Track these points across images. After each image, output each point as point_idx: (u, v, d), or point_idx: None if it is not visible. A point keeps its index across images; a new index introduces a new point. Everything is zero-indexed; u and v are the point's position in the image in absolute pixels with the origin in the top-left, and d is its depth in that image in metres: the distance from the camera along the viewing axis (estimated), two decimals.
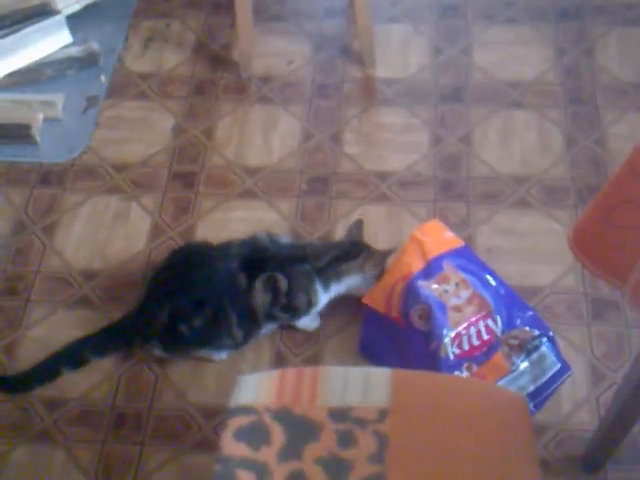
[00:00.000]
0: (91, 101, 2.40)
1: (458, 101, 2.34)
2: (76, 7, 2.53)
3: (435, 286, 1.76)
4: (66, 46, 2.50)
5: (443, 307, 1.72)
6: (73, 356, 1.85)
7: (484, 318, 1.73)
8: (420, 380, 1.32)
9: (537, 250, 2.02)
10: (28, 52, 2.43)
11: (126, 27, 2.61)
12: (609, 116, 2.27)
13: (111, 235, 2.11)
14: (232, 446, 1.21)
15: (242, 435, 1.22)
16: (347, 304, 1.91)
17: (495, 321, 1.73)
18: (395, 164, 2.21)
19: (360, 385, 1.27)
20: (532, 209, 2.09)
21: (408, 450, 1.20)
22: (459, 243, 1.86)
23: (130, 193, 2.19)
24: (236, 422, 1.24)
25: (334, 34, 2.56)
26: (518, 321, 1.76)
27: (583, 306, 1.91)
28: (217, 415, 1.78)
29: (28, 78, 2.44)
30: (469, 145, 2.24)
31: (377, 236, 2.00)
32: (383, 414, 1.23)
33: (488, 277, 1.81)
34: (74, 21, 2.52)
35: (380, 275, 1.86)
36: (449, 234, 1.88)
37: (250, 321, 1.81)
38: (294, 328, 1.90)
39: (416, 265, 1.79)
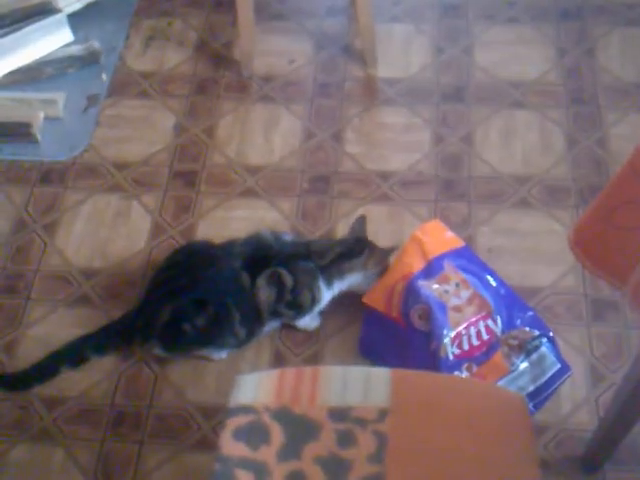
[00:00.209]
0: (92, 100, 2.40)
1: (460, 101, 2.34)
2: (77, 6, 2.54)
3: (435, 286, 1.76)
4: (67, 45, 2.50)
5: (443, 307, 1.72)
6: (73, 355, 1.85)
7: (484, 318, 1.73)
8: (420, 380, 1.31)
9: (538, 250, 2.02)
10: (29, 51, 2.43)
11: (127, 26, 2.61)
12: (610, 116, 2.27)
13: (112, 234, 2.11)
14: (231, 446, 1.21)
15: (241, 435, 1.22)
16: (347, 304, 1.91)
17: (495, 321, 1.73)
18: (396, 164, 2.21)
19: (360, 385, 1.27)
20: (533, 209, 2.09)
21: (408, 450, 1.20)
22: (460, 243, 1.86)
23: (131, 192, 2.19)
24: (235, 421, 1.23)
25: (335, 33, 2.55)
26: (518, 321, 1.76)
27: (583, 307, 1.91)
28: (216, 414, 1.78)
29: (29, 77, 2.44)
30: (470, 145, 2.23)
31: (378, 236, 1.99)
32: (383, 414, 1.23)
33: (488, 277, 1.81)
34: (75, 20, 2.52)
35: (382, 272, 1.86)
36: (450, 234, 1.87)
37: (253, 319, 1.81)
38: (294, 328, 1.90)
39: (417, 265, 1.79)
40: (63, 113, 2.36)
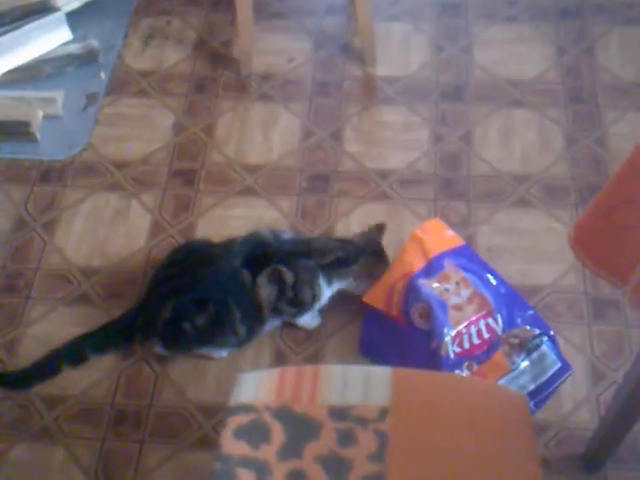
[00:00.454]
0: (91, 98, 2.40)
1: (459, 99, 2.34)
2: (76, 4, 2.54)
3: (436, 285, 1.76)
4: (66, 43, 2.50)
5: (444, 306, 1.72)
6: (73, 353, 1.85)
7: (485, 317, 1.73)
8: (420, 379, 1.31)
9: (538, 249, 2.02)
10: (28, 49, 2.43)
11: (126, 24, 2.60)
12: (610, 115, 2.27)
13: (111, 232, 2.11)
14: (232, 444, 1.21)
15: (242, 433, 1.22)
16: (348, 302, 1.91)
17: (496, 320, 1.73)
18: (396, 162, 2.21)
19: (360, 384, 1.27)
20: (533, 208, 2.09)
21: (408, 449, 1.20)
22: (460, 242, 1.86)
23: (130, 190, 2.19)
24: (236, 420, 1.23)
25: (335, 32, 2.55)
26: (519, 320, 1.76)
27: (584, 305, 1.91)
28: (217, 413, 1.78)
29: (28, 75, 2.44)
30: (470, 143, 2.23)
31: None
32: (383, 413, 1.23)
33: (489, 276, 1.81)
34: (74, 18, 2.52)
35: (377, 278, 1.85)
36: (450, 233, 1.87)
37: (254, 318, 1.81)
38: (295, 326, 1.90)
39: (417, 264, 1.79)
40: (62, 112, 2.36)
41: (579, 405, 1.77)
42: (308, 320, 1.90)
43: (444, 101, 2.34)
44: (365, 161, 2.22)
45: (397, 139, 2.27)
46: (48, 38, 2.46)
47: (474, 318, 1.72)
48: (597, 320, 1.89)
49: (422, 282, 1.76)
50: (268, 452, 1.20)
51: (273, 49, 2.50)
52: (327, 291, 1.86)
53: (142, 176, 2.22)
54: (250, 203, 2.15)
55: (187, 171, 2.23)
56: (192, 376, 1.86)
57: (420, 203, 2.12)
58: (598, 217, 1.15)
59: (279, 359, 1.87)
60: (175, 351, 1.86)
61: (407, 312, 1.75)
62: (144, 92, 2.42)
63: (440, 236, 1.85)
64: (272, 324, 1.88)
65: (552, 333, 1.77)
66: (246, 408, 1.25)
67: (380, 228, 1.93)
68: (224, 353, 1.87)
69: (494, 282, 1.80)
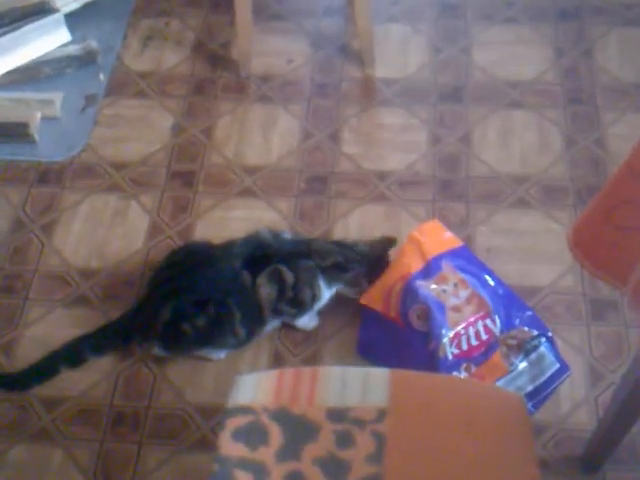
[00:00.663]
0: (90, 99, 2.40)
1: (457, 101, 2.34)
2: (75, 5, 2.54)
3: (434, 286, 1.75)
4: (65, 44, 2.49)
5: (442, 307, 1.72)
6: (71, 355, 1.85)
7: (483, 318, 1.73)
8: (419, 380, 1.31)
9: (536, 250, 2.02)
10: (27, 50, 2.43)
11: (125, 25, 2.60)
12: (608, 116, 2.27)
13: (109, 234, 2.11)
14: (230, 446, 1.21)
15: (240, 435, 1.22)
16: (346, 304, 1.91)
17: (494, 321, 1.73)
18: (394, 164, 2.21)
19: (359, 385, 1.27)
20: (531, 209, 2.09)
21: (406, 450, 1.20)
22: (458, 243, 1.86)
23: (129, 192, 2.19)
24: (234, 422, 1.23)
25: (333, 33, 2.55)
26: (517, 321, 1.76)
27: (582, 306, 1.91)
28: (215, 415, 1.78)
29: (27, 76, 2.44)
30: (468, 145, 2.23)
31: (376, 236, 1.99)
32: (381, 414, 1.23)
33: (487, 277, 1.81)
34: (73, 19, 2.52)
35: (360, 292, 1.86)
36: (448, 234, 1.87)
37: (254, 319, 1.81)
38: (293, 328, 1.90)
39: (415, 265, 1.78)
40: (61, 113, 2.36)
41: (577, 406, 1.77)
42: (306, 321, 1.90)
43: (443, 102, 2.34)
44: (363, 162, 2.22)
45: (395, 140, 2.27)
46: (47, 39, 2.46)
47: (472, 319, 1.72)
48: (595, 321, 1.89)
49: (420, 283, 1.76)
50: (266, 454, 1.20)
51: (272, 50, 2.51)
52: (326, 292, 1.86)
53: (141, 177, 2.22)
54: (249, 204, 2.15)
55: (186, 172, 2.23)
56: (190, 378, 1.85)
57: (418, 204, 2.12)
58: (597, 218, 1.15)
59: (277, 361, 1.87)
60: (174, 352, 1.86)
61: (405, 314, 1.75)
62: (143, 93, 2.42)
63: (438, 237, 1.85)
64: (271, 325, 1.87)
65: (550, 334, 1.77)
66: (244, 410, 1.25)
67: (390, 240, 1.91)
68: (222, 355, 1.87)
69: (492, 283, 1.80)
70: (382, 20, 2.53)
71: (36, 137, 2.29)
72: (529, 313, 1.79)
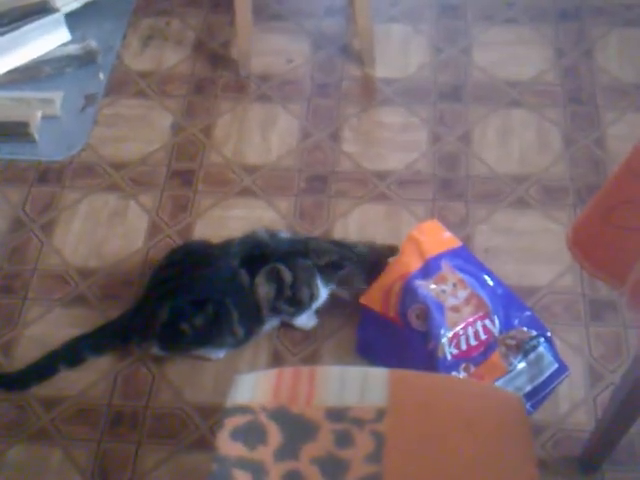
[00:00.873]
0: (89, 99, 2.40)
1: (457, 100, 2.34)
2: (75, 5, 2.53)
3: (433, 286, 1.75)
4: (65, 44, 2.49)
5: (441, 307, 1.72)
6: (70, 354, 1.85)
7: (482, 318, 1.73)
8: (417, 380, 1.31)
9: (535, 250, 2.02)
10: (27, 50, 2.43)
11: (125, 25, 2.60)
12: (608, 116, 2.27)
13: (109, 233, 2.11)
14: (228, 446, 1.21)
15: (239, 435, 1.22)
16: (345, 304, 1.91)
17: (493, 321, 1.73)
18: (394, 163, 2.21)
19: (357, 385, 1.27)
20: (531, 209, 2.09)
21: (405, 450, 1.20)
22: (457, 243, 1.86)
23: (128, 191, 2.19)
24: (233, 422, 1.23)
25: (334, 33, 2.55)
26: (516, 321, 1.76)
27: (581, 306, 1.91)
28: (214, 414, 1.78)
29: (27, 76, 2.44)
30: (468, 144, 2.23)
31: (376, 235, 1.99)
32: (380, 414, 1.23)
33: (486, 277, 1.81)
34: (73, 19, 2.51)
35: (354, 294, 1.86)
36: (447, 234, 1.87)
37: (252, 318, 1.81)
38: (292, 327, 1.90)
39: (414, 265, 1.78)
40: (61, 112, 2.36)
41: (576, 406, 1.77)
42: (305, 321, 1.89)
43: (443, 102, 2.34)
44: (363, 162, 2.22)
45: (396, 140, 2.26)
46: (47, 39, 2.46)
47: (471, 319, 1.72)
48: (594, 321, 1.89)
49: (419, 283, 1.76)
50: (265, 453, 1.20)
51: (272, 50, 2.50)
52: (324, 291, 1.86)
53: (140, 177, 2.22)
54: (248, 204, 2.15)
55: (185, 172, 2.23)
56: (189, 377, 1.85)
57: (418, 204, 2.12)
58: (596, 218, 1.15)
59: (276, 360, 1.87)
60: (173, 352, 1.86)
61: (404, 313, 1.75)
62: (143, 93, 2.42)
63: (437, 237, 1.85)
64: (270, 325, 1.87)
65: (549, 334, 1.77)
66: (243, 409, 1.24)
67: (392, 249, 1.89)
68: (221, 354, 1.87)
69: (491, 283, 1.80)
70: (382, 20, 2.53)
71: (36, 136, 2.29)
72: (528, 313, 1.79)
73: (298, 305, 1.84)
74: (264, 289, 1.79)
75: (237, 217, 2.12)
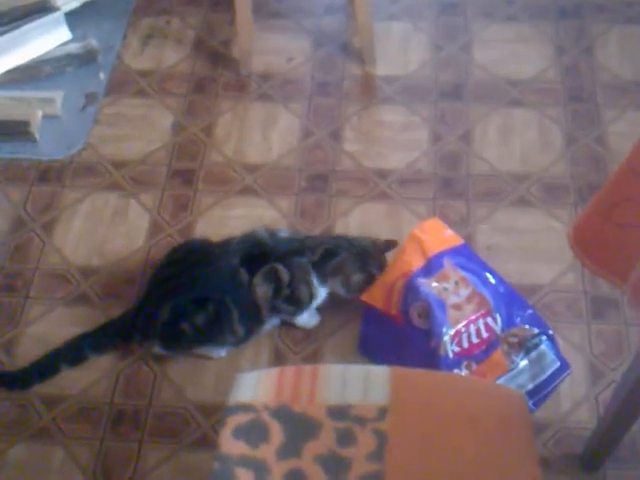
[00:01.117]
0: (90, 98, 2.40)
1: (458, 99, 2.34)
2: (75, 4, 2.53)
3: (435, 284, 1.75)
4: (65, 43, 2.50)
5: (443, 305, 1.72)
6: (72, 353, 1.85)
7: (484, 316, 1.73)
8: (419, 378, 1.31)
9: (537, 248, 2.01)
10: (27, 49, 2.43)
11: (125, 24, 2.60)
12: (609, 114, 2.26)
13: (110, 232, 2.11)
14: (231, 444, 1.21)
15: (241, 433, 1.22)
16: (347, 302, 1.90)
17: (495, 319, 1.73)
18: (395, 162, 2.21)
19: (359, 383, 1.27)
20: (532, 207, 2.09)
21: (407, 448, 1.20)
22: (459, 241, 1.86)
23: (129, 190, 2.19)
24: (235, 420, 1.23)
25: (334, 31, 2.55)
26: (518, 319, 1.76)
27: (583, 304, 1.91)
28: (216, 413, 1.78)
29: (27, 75, 2.44)
30: (469, 143, 2.23)
31: (377, 234, 1.99)
32: (382, 412, 1.23)
33: (488, 275, 1.81)
34: (73, 18, 2.52)
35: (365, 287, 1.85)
36: (449, 232, 1.87)
37: (252, 317, 1.81)
38: (293, 326, 1.90)
39: (416, 263, 1.78)
40: (61, 112, 2.36)
41: (578, 404, 1.77)
42: (306, 319, 1.89)
43: (443, 100, 2.34)
44: (364, 161, 2.22)
45: (396, 139, 2.26)
46: (47, 38, 2.46)
47: (473, 317, 1.72)
48: (596, 319, 1.89)
49: (421, 281, 1.76)
50: (267, 452, 1.20)
51: (272, 49, 2.50)
52: (322, 289, 1.86)
53: (141, 176, 2.22)
54: (249, 203, 2.15)
55: (186, 171, 2.23)
56: (191, 376, 1.85)
57: (419, 202, 2.12)
58: (598, 216, 1.15)
59: (278, 359, 1.87)
60: (174, 351, 1.86)
61: (406, 311, 1.75)
62: (143, 92, 2.42)
63: (439, 235, 1.85)
64: (271, 324, 1.87)
65: (551, 332, 1.77)
66: (245, 408, 1.24)
67: (390, 243, 1.90)
68: (223, 353, 1.87)
69: (493, 281, 1.80)
70: (383, 18, 2.53)
71: (37, 136, 2.29)
72: (530, 311, 1.79)
73: (297, 304, 1.84)
74: (262, 289, 1.79)
75: (238, 216, 2.12)
